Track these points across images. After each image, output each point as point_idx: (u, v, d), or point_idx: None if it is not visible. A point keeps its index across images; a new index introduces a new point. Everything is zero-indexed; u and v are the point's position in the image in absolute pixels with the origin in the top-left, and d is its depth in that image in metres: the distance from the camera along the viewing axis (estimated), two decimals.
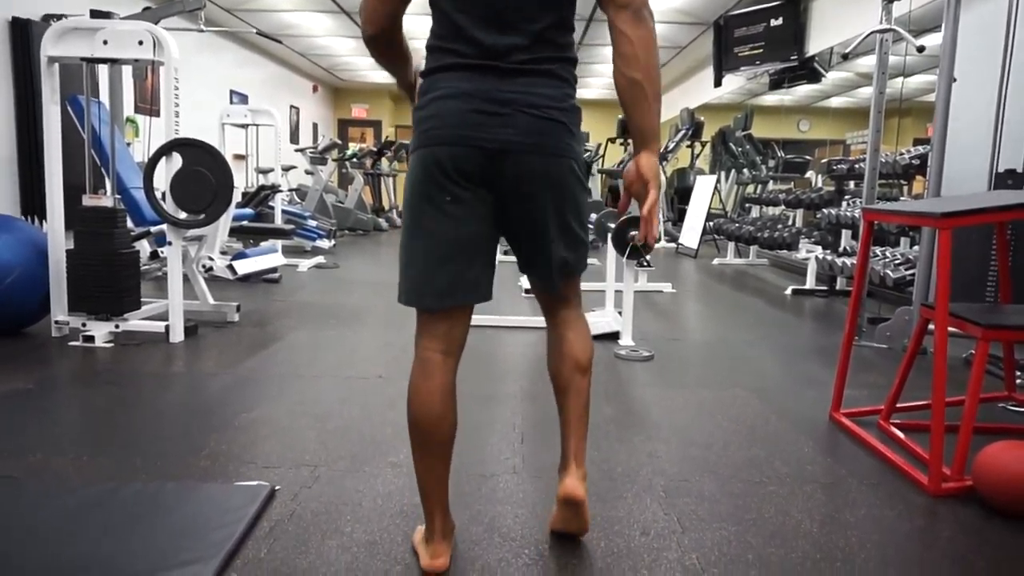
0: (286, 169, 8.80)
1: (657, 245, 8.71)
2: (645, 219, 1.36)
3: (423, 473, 1.45)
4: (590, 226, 6.53)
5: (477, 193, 1.35)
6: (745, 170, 9.63)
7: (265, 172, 8.34)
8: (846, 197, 5.80)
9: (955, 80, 3.29)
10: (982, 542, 1.66)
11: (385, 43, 1.44)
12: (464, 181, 1.33)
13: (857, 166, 5.41)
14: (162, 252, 4.12)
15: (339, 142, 10.27)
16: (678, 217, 10.07)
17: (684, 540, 1.63)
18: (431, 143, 1.33)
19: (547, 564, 1.51)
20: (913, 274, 3.89)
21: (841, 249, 5.35)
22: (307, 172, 9.72)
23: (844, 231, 5.39)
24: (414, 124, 1.38)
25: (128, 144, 5.86)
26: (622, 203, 1.51)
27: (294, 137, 12.22)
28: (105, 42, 3.20)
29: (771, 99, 10.88)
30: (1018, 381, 2.70)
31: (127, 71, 5.85)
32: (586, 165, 1.72)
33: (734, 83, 9.06)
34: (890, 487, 1.95)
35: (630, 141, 7.72)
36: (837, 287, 5.47)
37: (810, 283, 5.62)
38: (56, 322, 3.38)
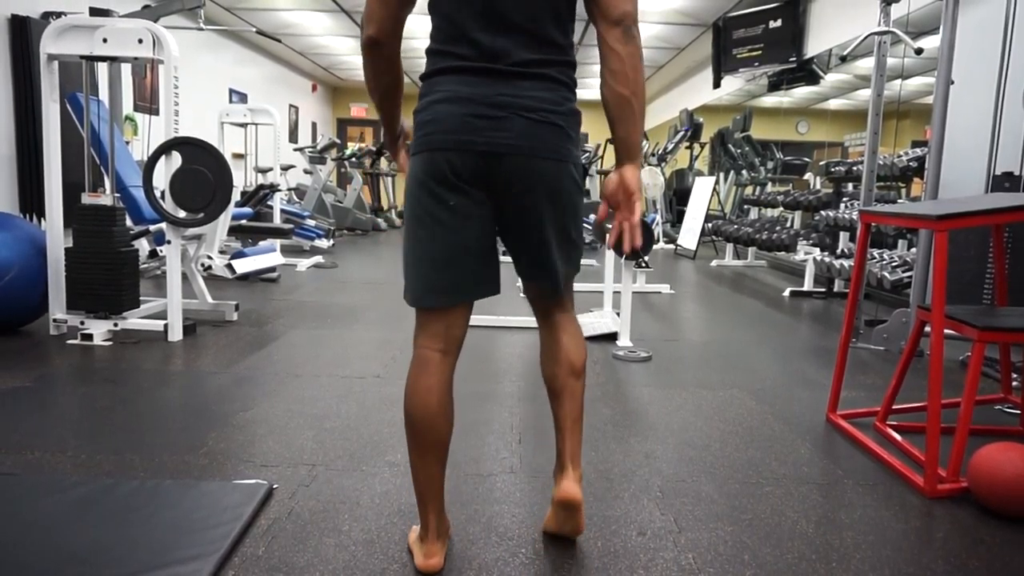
0: (285, 168, 8.80)
1: (656, 246, 8.71)
2: (632, 228, 1.38)
3: (419, 471, 1.46)
4: (588, 227, 6.55)
5: (475, 196, 1.36)
6: (744, 171, 9.64)
7: (264, 171, 8.34)
8: (844, 199, 5.81)
9: (953, 83, 3.30)
10: (977, 543, 1.67)
11: (383, 52, 1.38)
12: (462, 184, 1.34)
13: (855, 168, 5.42)
14: (161, 251, 4.12)
15: (338, 141, 10.27)
16: (676, 218, 10.08)
17: (681, 540, 1.64)
18: (429, 147, 1.34)
19: (544, 564, 1.52)
20: (910, 276, 3.90)
21: (839, 251, 5.36)
22: (306, 171, 9.72)
23: (842, 233, 5.40)
24: (413, 127, 1.39)
25: (127, 142, 5.86)
26: (601, 213, 1.47)
27: (293, 136, 12.23)
28: (105, 40, 3.20)
29: (770, 101, 10.89)
30: (1014, 383, 2.71)
31: (126, 69, 5.85)
32: (583, 167, 1.71)
33: (733, 84, 9.07)
34: (886, 488, 1.96)
35: None
36: (835, 289, 5.48)
37: (808, 285, 5.64)
38: (54, 320, 3.38)
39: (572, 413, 1.55)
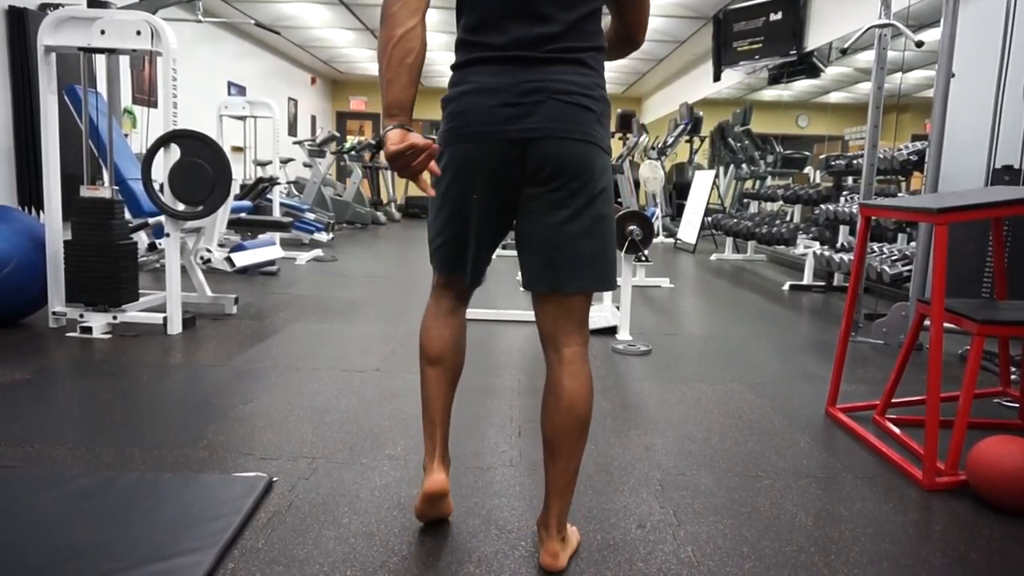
0: (284, 162, 8.77)
1: (655, 240, 8.71)
2: None
3: (429, 395, 1.56)
4: None
5: (500, 192, 1.37)
6: (744, 165, 9.63)
7: (263, 164, 8.33)
8: (844, 193, 5.80)
9: (953, 76, 3.30)
10: (975, 536, 1.67)
11: (411, 7, 1.26)
12: (490, 177, 1.35)
13: (855, 162, 5.42)
14: (160, 244, 4.12)
15: (337, 135, 10.24)
16: (676, 212, 10.07)
17: (680, 533, 1.64)
18: (459, 140, 1.36)
19: None
20: (910, 270, 3.90)
21: (839, 245, 5.36)
22: (305, 165, 9.71)
23: (842, 227, 5.40)
24: (443, 119, 1.40)
25: (126, 135, 5.85)
26: None
27: (292, 129, 12.20)
28: (103, 32, 3.19)
29: (770, 94, 10.87)
30: (1012, 377, 2.71)
31: (124, 61, 5.83)
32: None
33: (733, 78, 9.04)
34: (885, 481, 1.96)
35: (628, 136, 7.76)
36: (834, 283, 5.49)
37: (807, 279, 5.64)
38: (54, 313, 3.37)
39: (567, 473, 1.44)
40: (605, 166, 1.38)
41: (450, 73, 1.41)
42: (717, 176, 8.71)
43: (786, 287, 5.55)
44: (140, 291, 3.52)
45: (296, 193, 9.22)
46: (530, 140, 1.31)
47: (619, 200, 9.56)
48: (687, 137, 9.78)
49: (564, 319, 1.42)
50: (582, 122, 1.33)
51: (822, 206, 5.57)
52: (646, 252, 3.61)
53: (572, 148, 1.32)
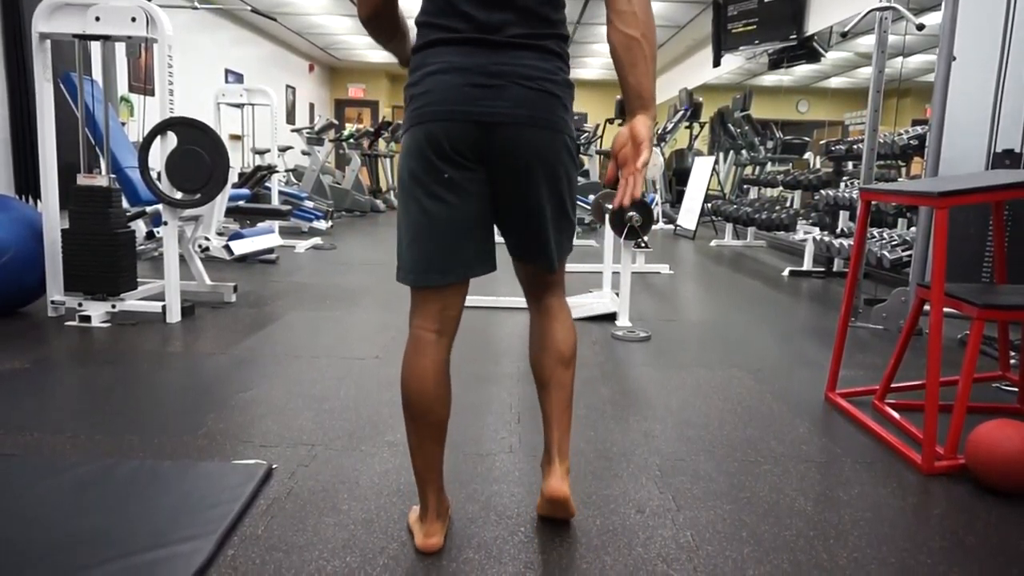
0: (282, 150, 8.74)
1: (655, 227, 8.69)
2: (632, 173, 1.27)
3: (417, 452, 1.46)
4: (587, 206, 6.52)
5: (471, 169, 1.34)
6: (743, 151, 9.59)
7: (261, 152, 8.30)
8: (844, 178, 5.79)
9: (954, 59, 3.27)
10: (973, 519, 1.67)
11: (381, 24, 1.44)
12: (459, 158, 1.32)
13: (855, 147, 5.40)
14: (158, 232, 4.10)
15: (336, 122, 10.20)
16: (676, 199, 10.04)
17: (679, 518, 1.64)
18: (424, 120, 1.32)
19: (542, 542, 1.52)
20: (910, 255, 3.89)
21: (838, 230, 5.35)
22: (304, 153, 9.67)
23: (842, 212, 5.39)
24: (406, 101, 1.37)
25: (123, 123, 5.82)
26: (610, 172, 1.38)
27: (290, 117, 12.15)
28: (97, 18, 3.16)
29: (770, 79, 10.82)
30: (1012, 361, 2.71)
31: (120, 49, 5.80)
32: (576, 146, 1.65)
33: (733, 63, 9.00)
34: (884, 466, 1.97)
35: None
36: (834, 268, 5.48)
37: (807, 264, 5.63)
38: (52, 302, 3.37)
39: (560, 403, 1.53)
40: (569, 152, 1.39)
41: None
42: (717, 162, 8.68)
43: (786, 273, 5.54)
44: (139, 280, 3.52)
45: (295, 181, 9.19)
46: (495, 124, 1.30)
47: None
48: (687, 123, 9.74)
49: (539, 282, 1.54)
50: (546, 108, 1.33)
51: (822, 192, 5.56)
52: (646, 239, 3.60)
53: (535, 135, 1.32)
